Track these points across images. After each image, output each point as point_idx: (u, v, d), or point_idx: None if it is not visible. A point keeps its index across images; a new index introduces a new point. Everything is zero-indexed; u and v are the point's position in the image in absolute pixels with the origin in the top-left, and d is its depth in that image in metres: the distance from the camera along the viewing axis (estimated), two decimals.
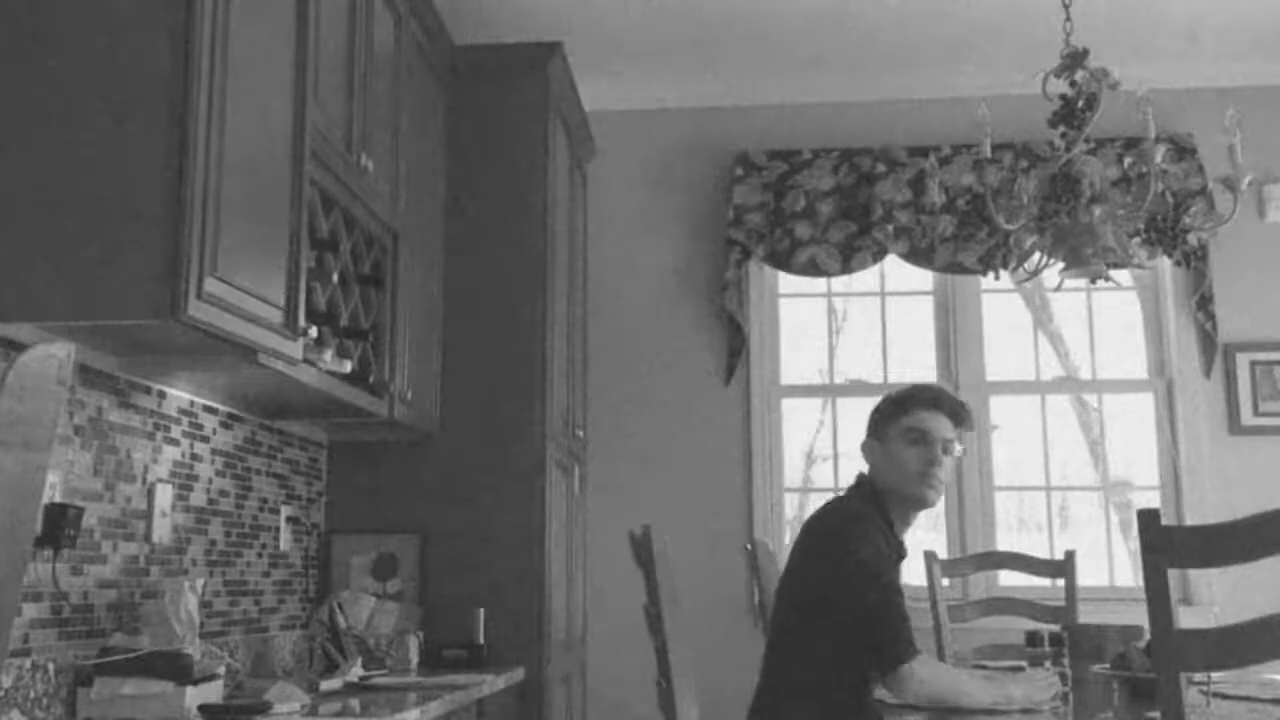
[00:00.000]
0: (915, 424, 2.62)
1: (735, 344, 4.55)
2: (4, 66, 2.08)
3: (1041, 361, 4.67)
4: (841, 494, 2.76)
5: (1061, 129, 3.10)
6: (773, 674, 2.61)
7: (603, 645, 4.43)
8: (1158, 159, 3.00)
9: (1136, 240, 3.13)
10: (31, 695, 2.16)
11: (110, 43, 2.09)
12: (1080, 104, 3.08)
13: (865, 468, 2.73)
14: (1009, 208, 3.12)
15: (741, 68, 4.60)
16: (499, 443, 3.71)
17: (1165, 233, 3.07)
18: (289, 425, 3.39)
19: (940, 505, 4.45)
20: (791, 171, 4.58)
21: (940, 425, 2.62)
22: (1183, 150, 4.42)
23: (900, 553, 2.62)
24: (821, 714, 2.49)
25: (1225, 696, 2.37)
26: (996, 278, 3.34)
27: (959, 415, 2.66)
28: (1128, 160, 3.23)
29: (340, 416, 3.23)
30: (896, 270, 4.66)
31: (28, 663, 2.16)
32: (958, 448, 2.65)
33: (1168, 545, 1.71)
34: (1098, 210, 3.03)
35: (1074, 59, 3.10)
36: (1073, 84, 3.10)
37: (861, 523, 2.55)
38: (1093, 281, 3.18)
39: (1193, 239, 3.15)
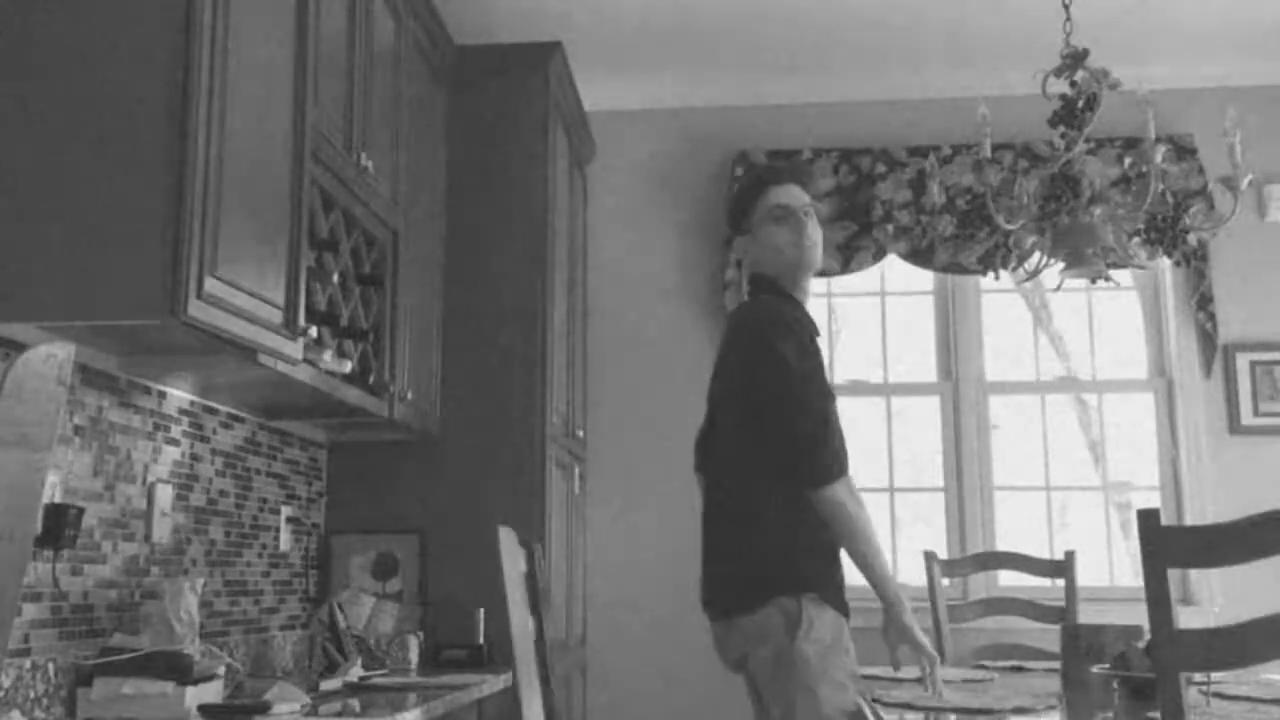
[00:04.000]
0: (775, 201, 2.64)
1: None
2: (4, 67, 2.08)
3: (1041, 361, 4.67)
4: (748, 298, 2.73)
5: (1061, 129, 3.10)
6: (727, 488, 2.55)
7: (603, 645, 4.43)
8: (1158, 159, 3.00)
9: (1136, 240, 3.13)
10: (31, 695, 2.16)
11: (110, 43, 2.10)
12: (1080, 104, 3.08)
13: (748, 270, 2.74)
14: (1009, 208, 3.12)
15: (741, 68, 4.60)
16: (499, 443, 3.71)
17: (1165, 233, 3.07)
18: (289, 425, 3.39)
19: (940, 504, 4.48)
20: None
21: (794, 194, 2.66)
22: (1183, 150, 4.42)
23: (814, 330, 2.60)
24: (794, 520, 2.45)
25: (1225, 696, 2.37)
26: (996, 277, 3.34)
27: (801, 177, 2.73)
28: (1128, 160, 3.23)
29: (340, 416, 3.23)
30: (896, 270, 4.66)
31: (28, 663, 2.16)
32: (813, 207, 2.69)
33: (1168, 545, 1.71)
34: (1098, 210, 3.03)
35: (1074, 59, 3.10)
36: (1073, 84, 3.10)
37: (782, 315, 2.53)
38: (1093, 281, 3.18)
39: (1193, 239, 3.15)
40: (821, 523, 2.46)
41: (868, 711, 2.33)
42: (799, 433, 2.39)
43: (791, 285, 2.64)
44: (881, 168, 4.52)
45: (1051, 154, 3.18)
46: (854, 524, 2.38)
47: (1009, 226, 3.12)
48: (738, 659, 2.46)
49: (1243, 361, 4.43)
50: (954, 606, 3.72)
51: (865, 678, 2.89)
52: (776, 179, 2.68)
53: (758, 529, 2.45)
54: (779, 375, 2.43)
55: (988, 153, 3.14)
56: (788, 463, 2.41)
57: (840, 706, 2.33)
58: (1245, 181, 2.99)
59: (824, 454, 2.38)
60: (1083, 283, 3.28)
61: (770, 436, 2.44)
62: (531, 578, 2.60)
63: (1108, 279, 3.15)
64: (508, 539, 2.38)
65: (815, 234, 2.64)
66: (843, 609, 2.44)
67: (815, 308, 4.83)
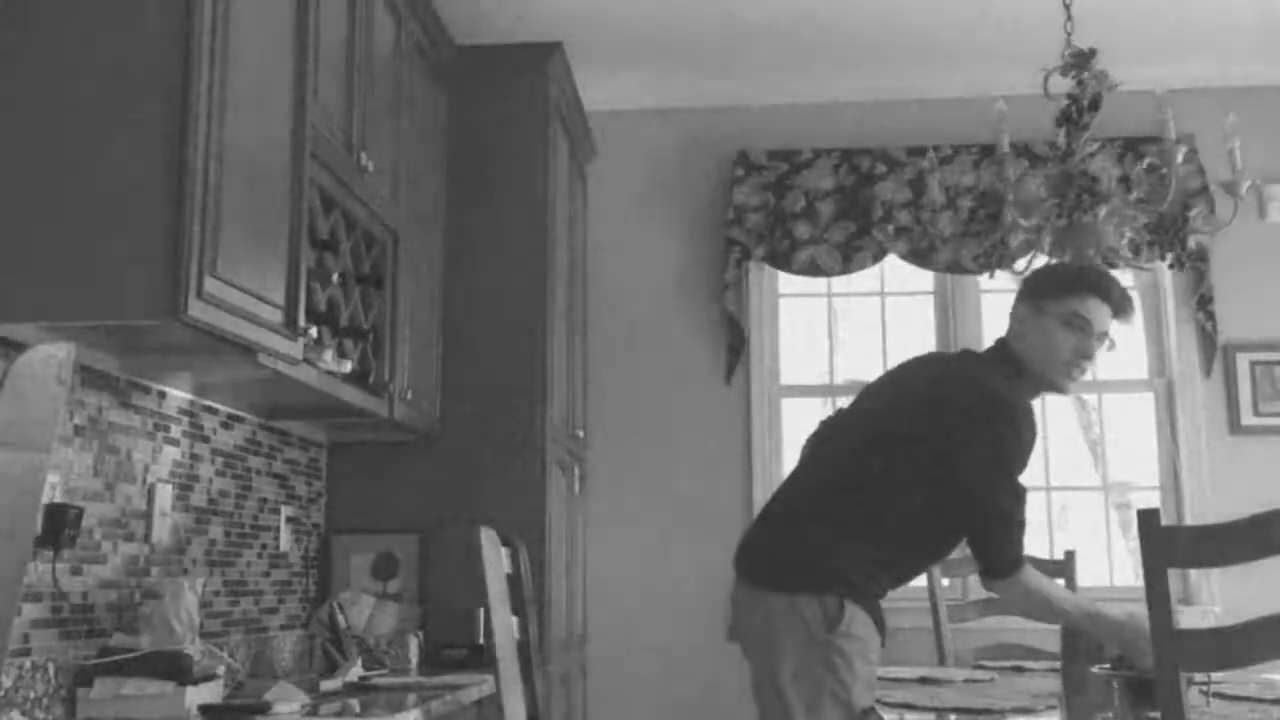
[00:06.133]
0: (1081, 310, 2.48)
1: (735, 344, 4.56)
2: (4, 67, 2.08)
3: None
4: (981, 356, 2.61)
5: (1066, 128, 3.10)
6: (844, 493, 2.47)
7: (603, 645, 4.43)
8: (1179, 159, 3.00)
9: (1128, 240, 3.13)
10: (31, 695, 2.16)
11: (110, 43, 2.10)
12: (1086, 103, 3.08)
13: (1005, 331, 2.59)
14: (1024, 204, 3.10)
15: (741, 68, 4.60)
16: (499, 443, 3.71)
17: (1175, 234, 3.06)
18: (289, 425, 3.39)
19: None
20: (791, 171, 4.58)
21: (1103, 317, 2.51)
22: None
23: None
24: (884, 552, 2.42)
25: (1225, 696, 2.37)
26: (991, 275, 3.33)
27: (1123, 308, 2.54)
28: (1146, 160, 3.22)
29: (340, 416, 3.23)
30: (896, 270, 4.66)
31: (28, 663, 2.16)
32: (1111, 341, 2.54)
33: (1168, 545, 1.71)
34: (1104, 210, 3.03)
35: (1080, 59, 3.10)
36: (1080, 83, 3.09)
37: (1017, 411, 2.42)
38: None
39: (1192, 242, 3.14)
40: (903, 570, 2.48)
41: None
42: (993, 529, 2.39)
43: (1028, 382, 2.53)
44: (881, 168, 4.52)
45: (1051, 154, 3.17)
46: (1052, 606, 2.43)
47: (1025, 223, 3.10)
48: (759, 638, 2.40)
49: (1243, 361, 4.43)
50: (954, 606, 3.71)
51: None
52: (1100, 292, 2.51)
53: (854, 541, 2.41)
54: (999, 467, 2.39)
55: (1005, 148, 3.12)
56: (975, 550, 2.42)
57: (864, 705, 2.32)
58: (1245, 187, 2.99)
59: (1012, 550, 2.39)
60: None
61: (956, 514, 2.42)
62: (515, 577, 2.59)
63: None
64: (489, 539, 2.38)
65: (1089, 368, 2.54)
66: (881, 633, 2.42)
67: (816, 309, 4.84)
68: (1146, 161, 3.20)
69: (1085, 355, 2.50)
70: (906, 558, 2.49)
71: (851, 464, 2.50)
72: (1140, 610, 2.41)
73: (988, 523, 2.40)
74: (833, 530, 2.41)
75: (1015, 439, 2.40)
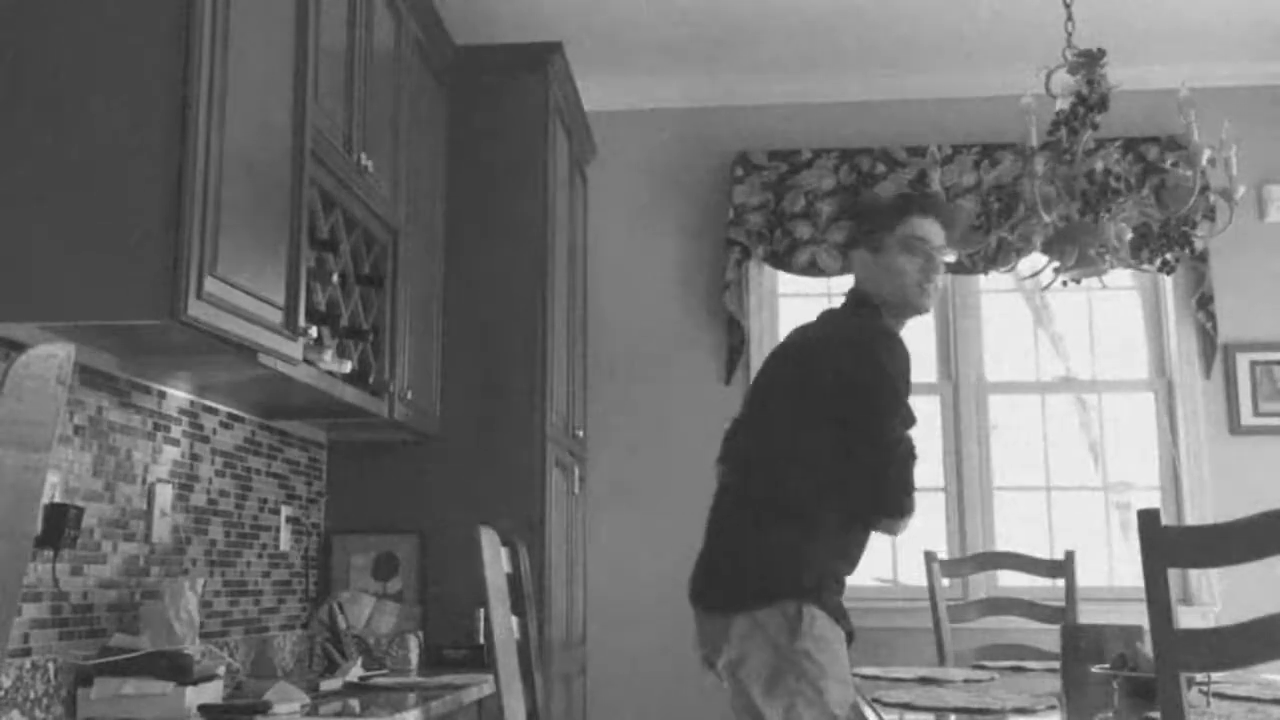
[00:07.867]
0: (912, 232, 2.58)
1: (735, 344, 4.56)
2: (5, 67, 2.08)
3: (1041, 361, 4.67)
4: (839, 309, 2.68)
5: (1066, 128, 3.09)
6: (757, 486, 2.51)
7: (603, 645, 4.43)
8: (1203, 162, 3.00)
9: (1130, 237, 3.12)
10: (31, 695, 2.16)
11: (110, 43, 2.09)
12: (1094, 102, 3.07)
13: (854, 282, 2.67)
14: (1044, 201, 3.09)
15: (741, 68, 4.60)
16: (499, 443, 3.71)
17: (1176, 237, 3.05)
18: (289, 425, 3.39)
19: (940, 504, 4.48)
20: (791, 171, 4.58)
21: (935, 232, 2.60)
22: (1181, 150, 4.41)
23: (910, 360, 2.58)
24: (817, 534, 2.45)
25: (1225, 696, 2.37)
26: (985, 274, 3.32)
27: (950, 219, 2.64)
28: (1169, 160, 3.22)
29: (340, 416, 3.23)
30: None
31: (28, 663, 2.16)
32: (949, 253, 2.64)
33: (1168, 545, 1.71)
34: (1113, 208, 3.03)
35: (1088, 58, 3.09)
36: (1090, 83, 3.09)
37: (884, 336, 2.49)
38: (1078, 282, 3.16)
39: (1198, 244, 3.13)
40: (844, 548, 2.48)
41: (866, 710, 2.33)
42: (889, 467, 2.41)
43: (894, 316, 2.60)
44: (881, 168, 4.52)
45: (1037, 153, 3.16)
46: None
47: (1047, 217, 3.10)
48: (728, 661, 2.41)
49: (1243, 361, 4.43)
50: (954, 606, 3.72)
51: (865, 678, 2.89)
52: (923, 210, 2.61)
53: (783, 532, 2.42)
54: (887, 393, 2.42)
55: (1033, 142, 3.12)
56: (868, 489, 2.43)
57: (844, 701, 2.33)
58: (1239, 194, 2.99)
59: (907, 494, 2.42)
60: (1083, 282, 3.27)
61: (857, 456, 2.43)
62: (515, 577, 2.59)
63: (1100, 275, 3.14)
64: (489, 539, 2.38)
65: (940, 281, 2.60)
66: (844, 625, 2.43)
67: (816, 309, 4.84)
68: (1169, 161, 3.20)
69: (933, 271, 2.59)
70: (841, 536, 2.49)
71: (760, 459, 2.54)
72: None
73: (890, 455, 2.42)
74: (769, 534, 2.44)
75: (890, 360, 2.45)
